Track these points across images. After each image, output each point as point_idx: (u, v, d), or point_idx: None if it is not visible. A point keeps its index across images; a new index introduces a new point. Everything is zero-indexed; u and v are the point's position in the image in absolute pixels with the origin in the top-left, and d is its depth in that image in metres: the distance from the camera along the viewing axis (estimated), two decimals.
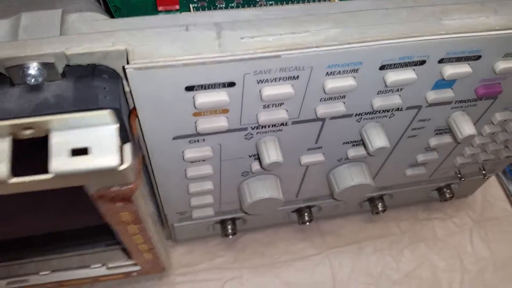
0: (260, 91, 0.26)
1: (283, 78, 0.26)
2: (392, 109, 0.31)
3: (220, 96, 0.25)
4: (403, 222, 0.50)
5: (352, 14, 0.26)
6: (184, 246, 0.47)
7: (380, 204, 0.45)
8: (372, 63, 0.26)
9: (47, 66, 0.23)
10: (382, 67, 0.27)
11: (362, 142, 0.34)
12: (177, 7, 0.29)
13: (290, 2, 0.31)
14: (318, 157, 0.34)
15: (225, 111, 0.27)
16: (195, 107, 0.26)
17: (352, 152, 0.35)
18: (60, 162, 0.20)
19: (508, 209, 0.52)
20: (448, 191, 0.47)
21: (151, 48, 0.23)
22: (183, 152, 0.30)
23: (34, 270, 0.38)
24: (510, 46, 0.28)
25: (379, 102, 0.29)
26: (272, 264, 0.47)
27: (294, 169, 0.36)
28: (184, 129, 0.28)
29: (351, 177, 0.36)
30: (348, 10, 0.26)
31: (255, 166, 0.34)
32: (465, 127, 0.33)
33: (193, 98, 0.25)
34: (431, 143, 0.36)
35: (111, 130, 0.21)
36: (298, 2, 0.31)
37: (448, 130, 0.35)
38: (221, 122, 0.28)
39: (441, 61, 0.27)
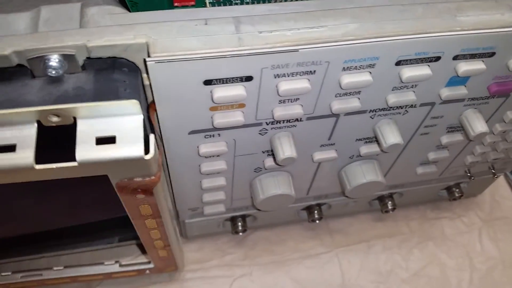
0: (276, 86, 0.26)
1: (300, 72, 0.26)
2: (406, 106, 0.31)
3: (237, 90, 0.26)
4: (412, 221, 0.50)
5: (369, 9, 0.26)
6: (195, 243, 0.47)
7: (390, 202, 0.45)
8: (388, 58, 0.26)
9: (68, 58, 0.23)
10: (398, 63, 0.27)
11: (375, 139, 0.34)
12: (193, 2, 0.29)
13: None
14: (330, 153, 0.34)
15: (241, 105, 0.27)
16: (212, 101, 0.26)
17: (365, 149, 0.35)
18: (87, 150, 0.20)
19: None
20: (457, 190, 0.47)
21: (171, 42, 0.23)
22: (198, 147, 0.30)
23: (47, 265, 0.38)
24: None
25: (393, 98, 0.29)
26: (282, 262, 0.47)
27: (306, 166, 0.36)
28: (201, 123, 0.28)
29: (363, 175, 0.37)
30: (364, 5, 0.27)
31: (268, 162, 0.34)
32: (477, 124, 0.33)
33: (211, 92, 0.26)
34: (442, 141, 0.36)
35: (137, 120, 0.21)
36: None
37: (459, 127, 0.35)
38: (237, 116, 0.28)
39: (455, 57, 0.27)
